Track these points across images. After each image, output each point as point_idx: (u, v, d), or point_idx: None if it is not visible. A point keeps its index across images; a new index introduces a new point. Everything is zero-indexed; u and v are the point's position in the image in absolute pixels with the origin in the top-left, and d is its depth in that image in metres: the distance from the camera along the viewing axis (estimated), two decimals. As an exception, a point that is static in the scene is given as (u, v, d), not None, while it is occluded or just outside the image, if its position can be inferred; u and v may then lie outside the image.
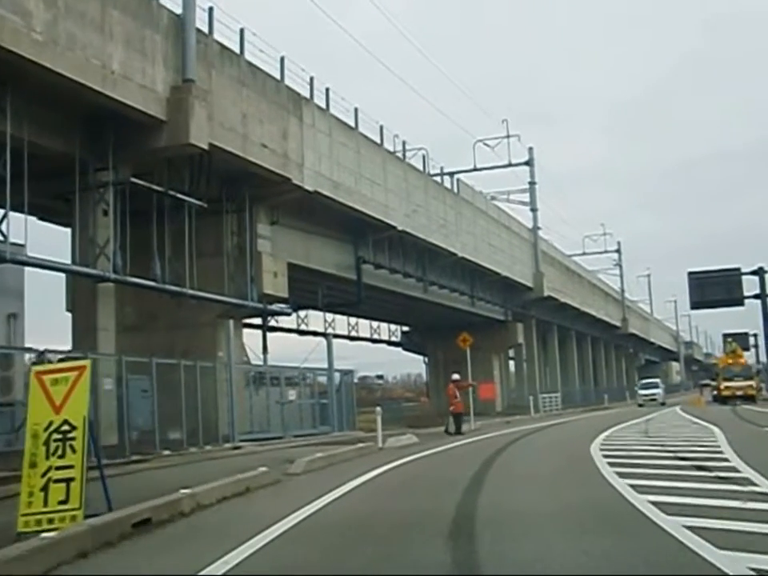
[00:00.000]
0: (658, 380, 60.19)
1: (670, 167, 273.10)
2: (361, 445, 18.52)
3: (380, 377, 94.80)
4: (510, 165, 55.83)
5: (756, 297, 44.50)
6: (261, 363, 28.36)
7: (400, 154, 36.60)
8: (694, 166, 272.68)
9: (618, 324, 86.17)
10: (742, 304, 46.00)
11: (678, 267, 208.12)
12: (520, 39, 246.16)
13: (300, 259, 30.70)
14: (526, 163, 56.52)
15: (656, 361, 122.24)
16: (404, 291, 39.29)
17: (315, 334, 49.00)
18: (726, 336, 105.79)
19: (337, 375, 28.99)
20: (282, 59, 26.65)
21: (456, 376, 28.62)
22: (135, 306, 26.81)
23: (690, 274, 45.03)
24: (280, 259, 28.07)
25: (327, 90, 29.79)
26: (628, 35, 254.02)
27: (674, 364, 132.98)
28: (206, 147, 21.40)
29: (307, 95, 28.37)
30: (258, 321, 39.42)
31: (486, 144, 55.55)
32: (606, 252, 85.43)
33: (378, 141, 33.87)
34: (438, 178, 42.53)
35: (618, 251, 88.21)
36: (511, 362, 66.44)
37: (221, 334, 25.62)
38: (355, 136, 31.73)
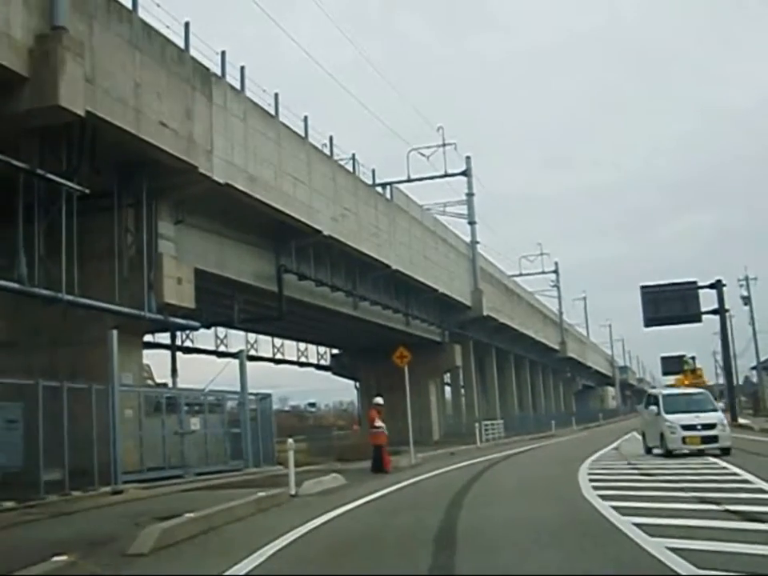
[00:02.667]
0: (706, 393, 26.79)
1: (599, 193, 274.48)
2: (261, 494, 13.58)
3: (312, 404, 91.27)
4: (446, 175, 52.34)
5: (714, 312, 41.37)
6: (153, 385, 24.01)
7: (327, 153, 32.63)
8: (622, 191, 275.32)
9: (557, 347, 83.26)
10: (699, 320, 42.82)
11: (612, 293, 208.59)
12: (460, 68, 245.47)
13: (212, 266, 26.49)
14: (464, 173, 53.05)
15: (592, 386, 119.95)
16: (332, 306, 35.19)
17: (236, 356, 44.81)
18: (664, 359, 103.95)
19: (252, 400, 24.67)
20: (187, 24, 22.57)
21: (379, 399, 24.14)
22: (11, 319, 22.45)
23: (644, 288, 41.67)
24: (186, 264, 23.79)
25: (242, 68, 25.82)
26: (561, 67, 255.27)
27: (610, 389, 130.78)
28: (81, 113, 17.07)
29: (219, 72, 24.38)
30: (168, 340, 35.34)
31: (421, 153, 52.07)
32: (543, 273, 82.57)
33: (303, 134, 29.88)
34: (370, 188, 38.71)
35: (555, 272, 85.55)
36: (447, 387, 62.87)
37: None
38: (275, 125, 27.69)
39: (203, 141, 22.62)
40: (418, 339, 47.04)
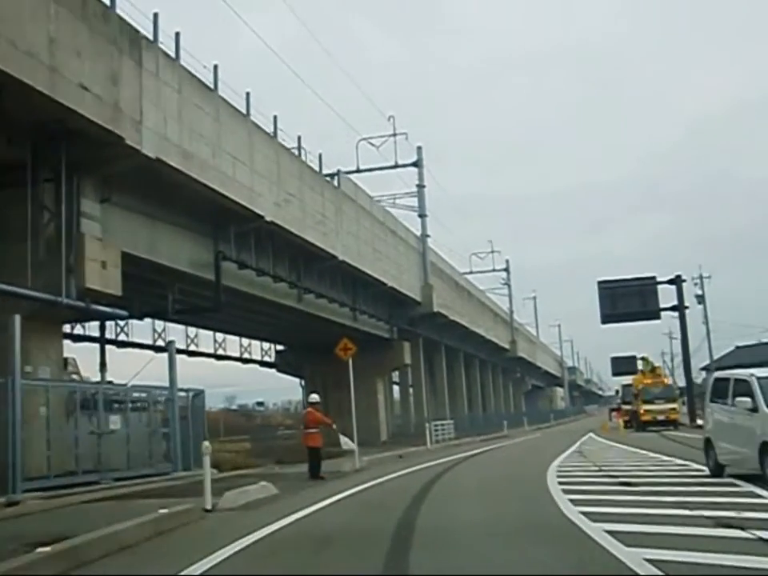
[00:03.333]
0: None
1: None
2: (164, 512, 10.98)
3: (260, 404, 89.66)
4: (396, 166, 50.50)
5: (673, 308, 39.86)
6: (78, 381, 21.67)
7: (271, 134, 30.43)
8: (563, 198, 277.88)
9: (507, 346, 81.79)
10: (657, 317, 41.37)
11: (563, 296, 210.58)
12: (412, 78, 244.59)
13: (143, 251, 24.20)
14: (414, 164, 51.12)
15: (541, 386, 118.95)
16: (274, 298, 32.99)
17: (165, 348, 42.49)
18: (614, 359, 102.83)
19: (183, 397, 22.39)
20: (112, -21, 20.28)
21: (314, 396, 22.04)
22: None
23: (601, 283, 40.05)
24: (112, 246, 21.50)
25: (177, 34, 23.56)
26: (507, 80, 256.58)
27: (559, 389, 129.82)
28: (-23, 64, 14.84)
29: (150, 36, 22.14)
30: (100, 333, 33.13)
31: (370, 143, 50.20)
32: (494, 271, 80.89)
33: (244, 111, 27.72)
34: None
35: (506, 270, 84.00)
36: (396, 387, 61.07)
37: (30, 342, 18.97)
38: (214, 99, 25.49)
39: (131, 110, 20.36)
40: (366, 335, 45.07)
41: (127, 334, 37.88)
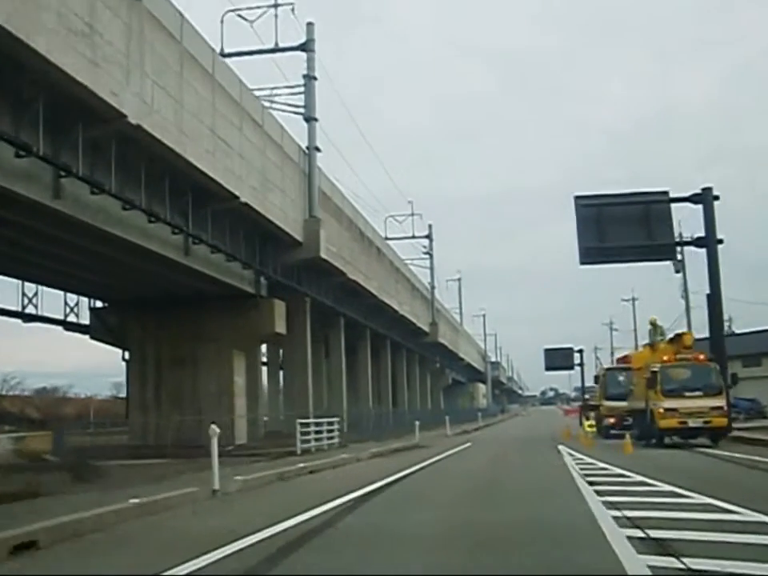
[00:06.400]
0: None
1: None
2: None
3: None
4: (277, 49, 34.95)
5: (697, 242, 24.48)
6: None
7: None
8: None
9: (426, 329, 66.62)
10: (671, 255, 26.05)
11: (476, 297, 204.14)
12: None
13: None
14: (302, 47, 35.51)
15: (462, 381, 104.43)
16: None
17: None
18: (548, 351, 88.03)
19: None
20: None
21: None
22: None
23: (579, 199, 24.39)
24: None
25: None
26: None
27: (480, 386, 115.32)
28: None
29: None
30: None
31: (240, 16, 34.70)
32: (413, 237, 65.21)
33: None
34: None
35: (428, 237, 68.73)
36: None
37: None
38: None
39: None
40: (213, 283, 29.57)
41: None
